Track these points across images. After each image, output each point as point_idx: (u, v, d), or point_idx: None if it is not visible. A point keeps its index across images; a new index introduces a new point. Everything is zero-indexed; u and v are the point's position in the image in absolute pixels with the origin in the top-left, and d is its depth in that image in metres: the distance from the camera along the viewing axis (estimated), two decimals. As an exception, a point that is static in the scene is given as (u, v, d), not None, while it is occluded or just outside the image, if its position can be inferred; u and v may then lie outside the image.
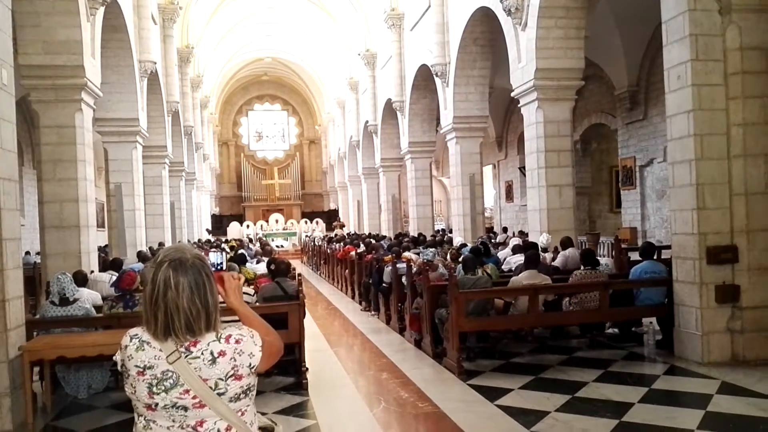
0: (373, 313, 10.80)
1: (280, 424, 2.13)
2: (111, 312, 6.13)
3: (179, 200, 21.29)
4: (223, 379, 1.86)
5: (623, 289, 7.39)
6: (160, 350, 1.85)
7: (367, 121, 24.53)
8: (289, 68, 37.95)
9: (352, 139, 27.80)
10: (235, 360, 1.88)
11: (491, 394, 5.78)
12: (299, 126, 42.37)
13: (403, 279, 8.73)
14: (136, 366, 1.85)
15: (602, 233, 18.21)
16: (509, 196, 24.58)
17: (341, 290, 14.94)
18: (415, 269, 8.17)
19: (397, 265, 9.07)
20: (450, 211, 35.74)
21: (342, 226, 30.06)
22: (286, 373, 6.81)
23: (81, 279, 6.83)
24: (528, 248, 8.16)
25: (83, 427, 5.38)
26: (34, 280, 11.01)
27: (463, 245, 10.64)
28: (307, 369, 6.43)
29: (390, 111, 21.42)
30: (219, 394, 1.86)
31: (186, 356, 1.85)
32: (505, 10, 10.93)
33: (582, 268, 7.41)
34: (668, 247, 9.74)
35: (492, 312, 7.12)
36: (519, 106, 11.34)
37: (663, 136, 15.14)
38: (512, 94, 11.54)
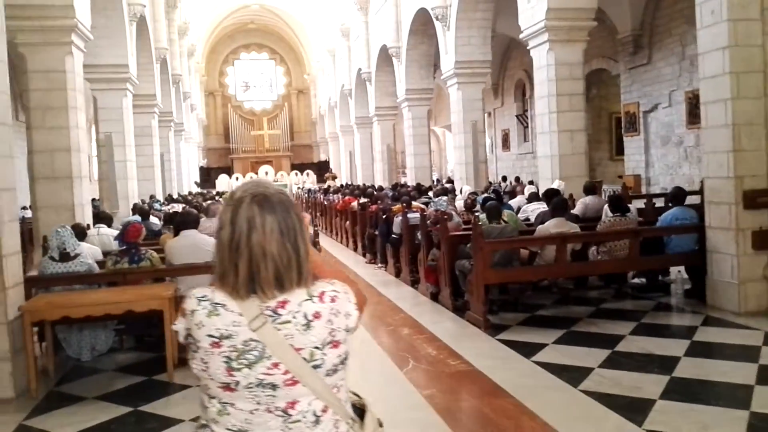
0: (380, 265, 10.45)
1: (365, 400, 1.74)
2: (115, 267, 5.69)
3: (168, 152, 20.58)
4: (319, 348, 1.48)
5: (653, 236, 7.05)
6: (240, 314, 1.45)
7: (360, 69, 23.71)
8: (277, 16, 36.64)
9: (343, 88, 26.98)
10: (331, 323, 1.50)
11: (524, 349, 5.49)
12: (287, 75, 41.21)
13: (417, 229, 8.34)
14: (210, 336, 1.46)
15: (603, 181, 17.89)
16: (505, 144, 24.12)
17: (341, 243, 14.59)
18: (430, 219, 7.77)
19: (408, 215, 8.66)
20: (442, 161, 35.45)
21: (334, 178, 29.57)
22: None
23: (80, 233, 6.37)
24: (550, 196, 7.76)
25: (90, 392, 4.99)
26: (23, 235, 10.48)
27: (474, 193, 10.24)
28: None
29: (385, 58, 20.65)
30: (315, 367, 1.48)
31: (274, 321, 1.46)
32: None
33: (610, 214, 7.06)
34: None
35: (516, 263, 6.78)
36: (528, 48, 10.76)
37: (668, 81, 14.75)
38: (521, 36, 10.96)
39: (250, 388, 1.45)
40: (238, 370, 1.44)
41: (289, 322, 1.46)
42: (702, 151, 7.10)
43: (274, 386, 1.46)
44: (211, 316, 1.46)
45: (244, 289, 1.46)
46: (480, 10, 14.19)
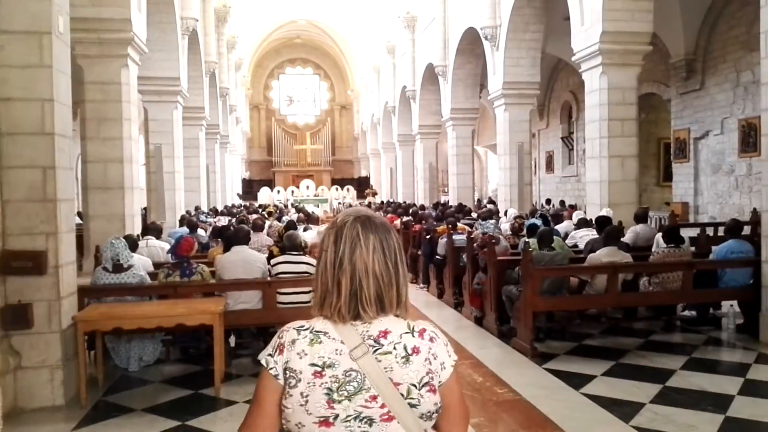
0: (422, 285, 10.39)
1: None
2: (167, 280, 5.78)
3: (213, 163, 20.99)
4: (416, 386, 1.45)
5: (707, 269, 6.85)
6: (342, 342, 1.45)
7: (404, 87, 23.82)
8: (323, 31, 37.16)
9: (387, 105, 27.14)
10: (429, 363, 1.47)
11: (573, 380, 5.36)
12: (331, 91, 41.69)
13: (461, 252, 8.28)
14: (313, 365, 1.43)
15: (650, 207, 17.51)
16: (549, 166, 23.84)
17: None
18: (477, 242, 7.69)
19: (454, 237, 8.60)
20: (483, 181, 35.24)
21: (374, 194, 29.65)
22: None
23: (132, 244, 6.48)
24: (602, 223, 7.62)
25: (138, 403, 5.03)
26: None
27: (520, 217, 10.12)
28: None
29: (430, 76, 20.71)
30: (411, 406, 1.44)
31: (375, 351, 1.45)
32: (570, -31, 10.22)
33: (663, 244, 6.89)
34: (721, 223, 9.14)
35: (565, 291, 6.66)
36: (581, 71, 10.66)
37: (721, 107, 14.38)
38: (573, 59, 10.88)
39: (348, 421, 1.42)
40: (339, 402, 1.42)
41: (389, 353, 1.44)
42: (760, 184, 6.88)
43: (371, 421, 1.43)
44: (314, 344, 1.45)
45: (345, 308, 1.46)
46: (530, 31, 14.14)
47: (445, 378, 1.50)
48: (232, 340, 6.46)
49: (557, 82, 22.78)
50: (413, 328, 1.49)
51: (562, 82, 22.29)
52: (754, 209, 11.55)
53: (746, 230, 9.28)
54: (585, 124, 10.70)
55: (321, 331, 1.47)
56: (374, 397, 1.42)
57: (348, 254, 1.47)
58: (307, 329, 1.48)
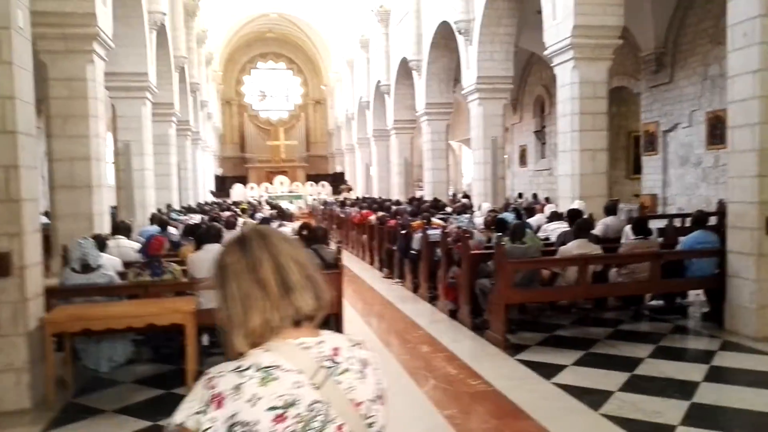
0: (397, 280, 10.41)
1: None
2: (137, 280, 5.71)
3: (185, 160, 20.71)
4: (373, 402, 1.32)
5: (674, 260, 6.98)
6: (300, 372, 1.24)
7: (378, 81, 23.76)
8: (295, 25, 36.89)
9: (361, 100, 27.07)
10: (377, 372, 1.36)
11: (544, 370, 5.45)
12: (304, 86, 41.44)
13: (436, 246, 8.31)
14: (273, 409, 1.19)
15: (620, 200, 17.76)
16: (522, 160, 24.04)
17: (358, 256, 14.56)
18: (451, 237, 7.74)
19: (429, 232, 8.64)
20: (458, 176, 35.38)
21: (349, 190, 29.59)
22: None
23: (100, 243, 6.39)
24: (573, 216, 7.71)
25: (108, 404, 4.96)
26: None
27: (493, 211, 10.19)
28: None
29: (404, 70, 20.69)
30: (368, 425, 1.31)
31: (333, 372, 1.27)
32: (540, -38, 10.28)
33: (632, 236, 7.00)
34: (689, 214, 9.36)
35: (537, 283, 6.73)
36: (552, 65, 10.74)
37: (689, 100, 14.63)
38: (545, 53, 10.93)
39: None
40: None
41: (348, 371, 1.29)
42: (727, 176, 7.01)
43: None
44: (267, 382, 1.21)
45: (280, 312, 1.27)
46: (504, 25, 14.15)
47: (384, 391, 1.38)
48: (205, 339, 6.39)
49: (530, 76, 22.94)
50: (354, 341, 1.37)
51: (535, 76, 22.45)
52: (721, 200, 11.79)
53: (713, 221, 9.48)
54: (557, 118, 10.79)
55: (271, 366, 1.23)
56: (340, 427, 1.25)
57: (262, 249, 1.31)
58: (249, 368, 1.23)
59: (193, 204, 19.47)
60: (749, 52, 6.35)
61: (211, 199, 26.73)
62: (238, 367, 1.23)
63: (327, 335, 1.34)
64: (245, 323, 1.27)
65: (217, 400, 1.20)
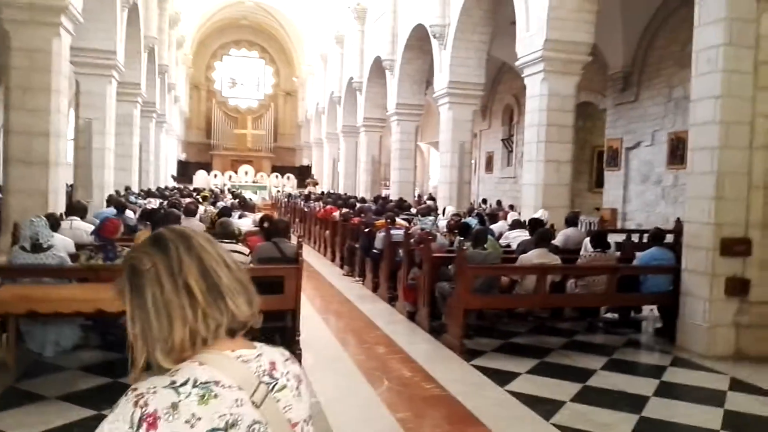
0: (357, 279, 10.37)
1: None
2: (89, 263, 5.53)
3: (147, 142, 20.27)
4: (306, 422, 1.23)
5: (630, 274, 7.11)
6: (240, 388, 1.11)
7: (351, 78, 23.69)
8: (271, 15, 36.48)
9: (333, 95, 26.93)
10: (308, 388, 1.28)
11: (499, 377, 5.47)
12: (276, 76, 41.02)
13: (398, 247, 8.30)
14: (213, 431, 1.07)
15: (581, 212, 18.08)
16: (489, 167, 24.28)
17: (319, 251, 14.47)
18: (414, 238, 7.73)
19: (392, 232, 8.62)
20: (425, 177, 35.52)
21: (315, 184, 29.42)
22: (272, 341, 6.35)
23: (53, 223, 6.17)
24: (534, 225, 7.80)
25: (51, 391, 4.75)
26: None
27: (457, 215, 10.24)
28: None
29: (378, 69, 20.67)
30: None
31: (272, 389, 1.17)
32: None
33: (590, 249, 7.11)
34: (647, 231, 9.54)
35: (496, 290, 6.78)
36: (523, 76, 10.85)
37: (653, 120, 14.99)
38: (516, 63, 11.05)
39: None
40: None
41: (285, 387, 1.19)
42: (685, 196, 7.19)
43: None
44: (207, 400, 1.07)
45: (206, 323, 1.14)
46: (478, 32, 14.28)
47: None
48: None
49: (501, 84, 23.19)
50: (286, 355, 1.26)
51: (506, 85, 22.70)
52: (678, 219, 12.09)
53: (670, 238, 9.70)
54: (525, 127, 10.91)
55: (210, 381, 1.09)
56: None
57: (184, 251, 1.17)
58: (185, 383, 1.08)
59: (153, 188, 19.05)
60: (712, 78, 6.52)
61: (172, 184, 26.23)
62: (173, 383, 1.08)
63: (263, 348, 1.23)
64: (168, 336, 1.13)
65: (150, 421, 1.04)
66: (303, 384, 1.25)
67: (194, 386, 1.08)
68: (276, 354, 1.23)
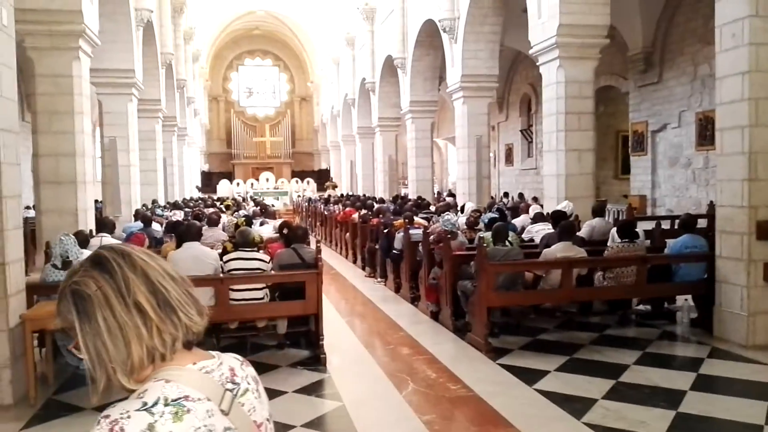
0: (379, 280, 10.36)
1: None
2: (117, 279, 5.60)
3: (171, 156, 20.62)
4: (268, 420, 1.27)
5: (661, 264, 6.94)
6: (208, 399, 1.12)
7: (364, 79, 23.70)
8: (282, 23, 36.67)
9: (347, 97, 26.97)
10: (264, 390, 1.31)
11: (526, 376, 5.39)
12: (290, 83, 41.23)
13: (418, 246, 8.26)
14: None
15: (608, 200, 17.78)
16: (509, 159, 24.08)
17: (340, 254, 14.50)
18: (433, 237, 7.69)
19: (411, 231, 8.59)
20: (443, 173, 35.38)
21: (334, 187, 29.49)
22: (297, 345, 6.43)
23: (83, 240, 6.34)
24: (557, 218, 7.69)
25: (88, 402, 4.86)
26: (25, 236, 10.38)
27: (477, 211, 10.16)
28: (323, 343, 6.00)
29: (389, 68, 20.64)
30: None
31: (236, 394, 1.19)
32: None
33: (618, 239, 6.97)
34: (678, 216, 9.35)
35: (520, 286, 6.69)
36: (538, 64, 10.68)
37: (679, 100, 14.61)
38: (530, 52, 10.89)
39: None
40: None
41: (247, 390, 1.22)
42: (716, 179, 6.94)
43: None
44: (181, 416, 1.07)
45: (162, 327, 1.14)
46: (488, 23, 14.11)
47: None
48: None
49: (517, 74, 22.95)
50: (239, 358, 1.28)
51: (522, 74, 22.46)
52: (711, 202, 11.76)
53: (703, 223, 9.42)
54: (543, 117, 10.75)
55: (181, 398, 1.10)
56: None
57: (127, 269, 1.15)
58: (156, 404, 1.07)
59: (178, 200, 19.31)
60: (738, 53, 6.25)
61: (197, 195, 26.53)
62: (144, 404, 1.07)
63: (221, 356, 1.25)
64: (127, 358, 1.12)
65: None
66: (260, 384, 1.28)
67: (166, 405, 1.08)
68: (232, 360, 1.25)
